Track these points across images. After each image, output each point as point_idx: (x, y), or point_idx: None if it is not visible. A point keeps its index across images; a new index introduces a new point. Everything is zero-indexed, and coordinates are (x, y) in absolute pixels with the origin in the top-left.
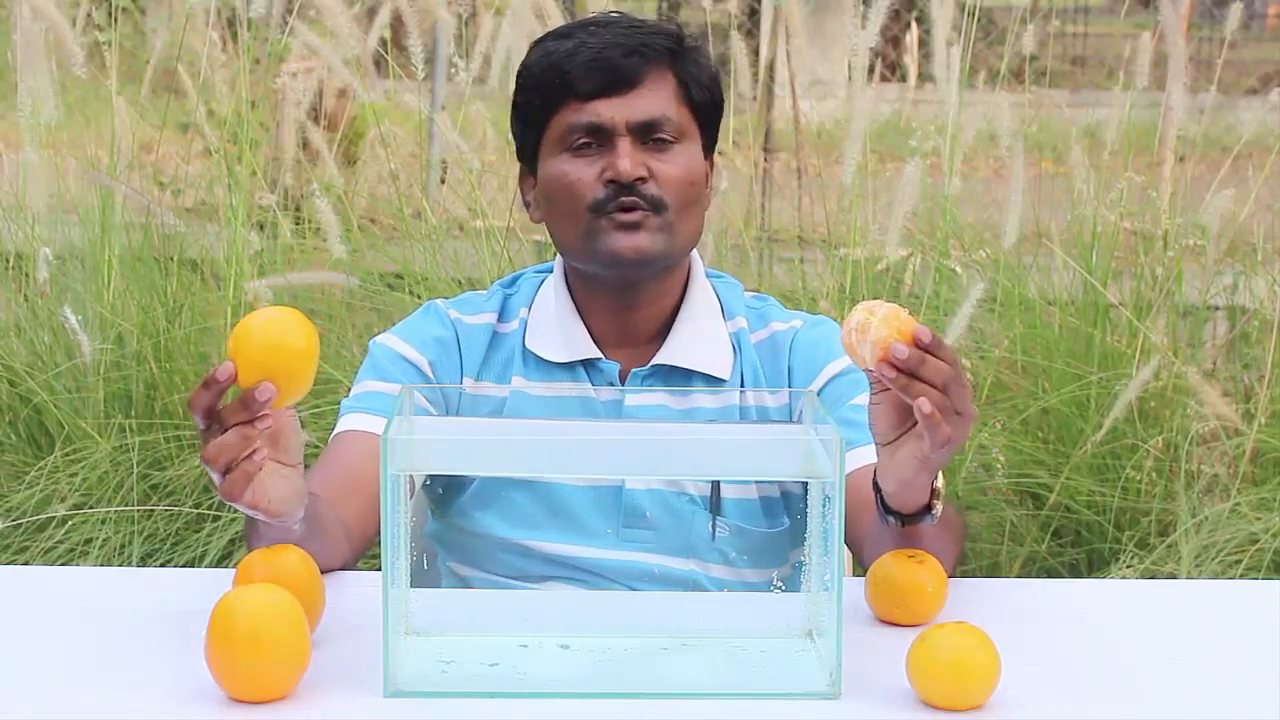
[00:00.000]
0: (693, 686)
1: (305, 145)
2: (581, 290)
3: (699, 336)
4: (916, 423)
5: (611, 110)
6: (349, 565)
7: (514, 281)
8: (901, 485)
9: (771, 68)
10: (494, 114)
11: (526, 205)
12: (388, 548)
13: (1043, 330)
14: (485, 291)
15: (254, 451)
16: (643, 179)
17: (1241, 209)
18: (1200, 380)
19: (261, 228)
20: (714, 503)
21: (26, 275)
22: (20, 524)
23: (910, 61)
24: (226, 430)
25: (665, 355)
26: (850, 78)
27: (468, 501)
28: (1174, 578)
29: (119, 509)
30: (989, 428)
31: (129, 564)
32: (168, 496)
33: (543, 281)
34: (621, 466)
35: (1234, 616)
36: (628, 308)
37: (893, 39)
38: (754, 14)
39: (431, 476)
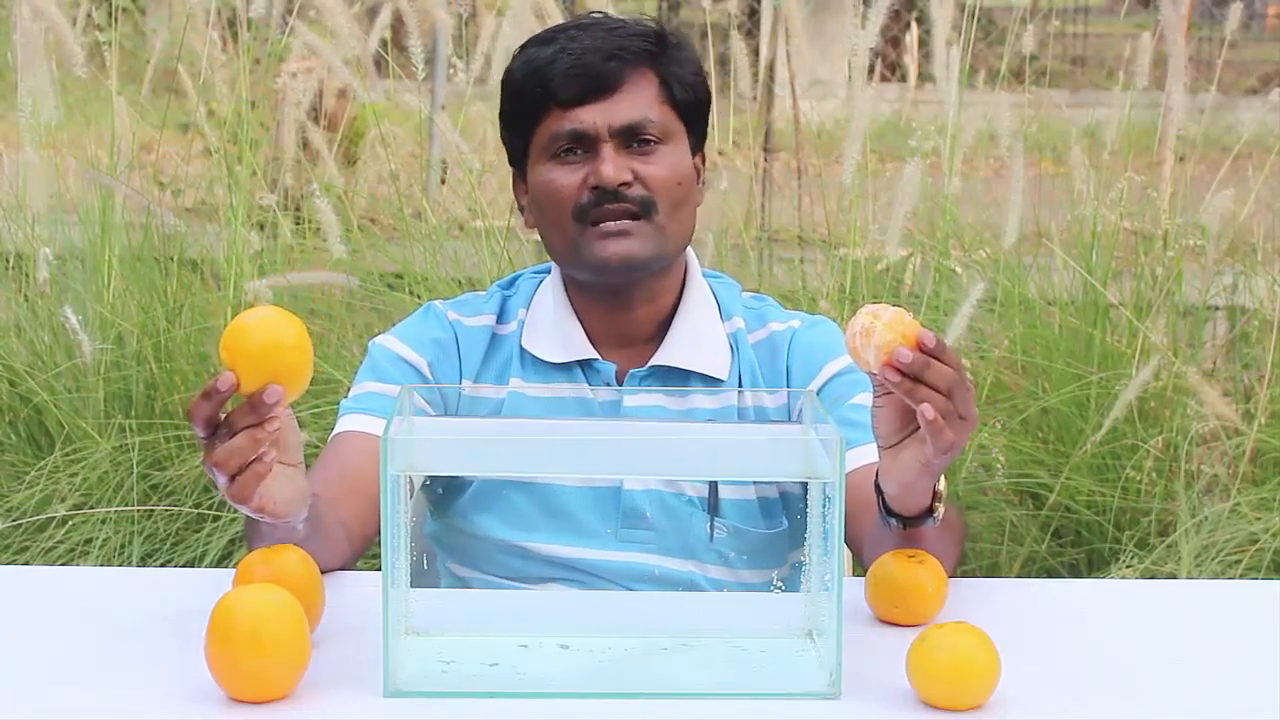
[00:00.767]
0: (693, 686)
1: (305, 145)
2: (577, 291)
3: (696, 337)
4: (919, 426)
5: (593, 116)
6: (349, 565)
7: (512, 283)
8: (904, 488)
9: (771, 68)
10: (494, 114)
11: (521, 211)
12: (388, 548)
13: (1043, 330)
14: (484, 293)
15: (263, 454)
16: (627, 184)
17: (1241, 209)
18: (1200, 380)
19: (261, 228)
20: (712, 504)
21: (26, 275)
22: (20, 524)
23: (910, 61)
24: (235, 434)
25: (663, 356)
26: (850, 78)
27: (467, 503)
28: (1174, 578)
29: (119, 509)
30: (989, 428)
31: (129, 564)
32: (168, 496)
33: (540, 282)
34: (620, 467)
35: (1234, 616)
36: (623, 309)
37: (893, 39)
38: (754, 14)
39: (431, 477)
